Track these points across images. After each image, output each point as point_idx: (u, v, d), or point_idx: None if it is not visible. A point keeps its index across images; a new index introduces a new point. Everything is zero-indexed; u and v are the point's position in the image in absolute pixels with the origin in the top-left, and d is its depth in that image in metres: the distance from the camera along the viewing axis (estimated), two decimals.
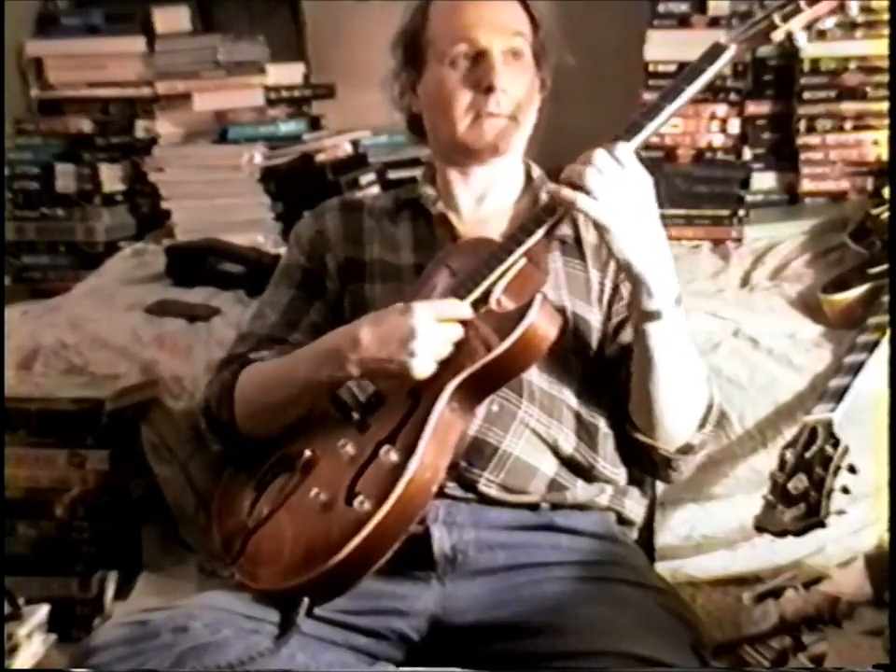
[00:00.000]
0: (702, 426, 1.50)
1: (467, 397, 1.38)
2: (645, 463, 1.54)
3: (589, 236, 1.58)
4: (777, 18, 1.44)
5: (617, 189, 1.35)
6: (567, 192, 1.35)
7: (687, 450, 1.50)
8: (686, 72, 1.43)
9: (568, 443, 1.49)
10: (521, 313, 1.35)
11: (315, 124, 2.95)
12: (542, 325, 1.36)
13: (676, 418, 1.47)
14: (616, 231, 1.36)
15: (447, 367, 1.36)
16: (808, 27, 1.45)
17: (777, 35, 1.44)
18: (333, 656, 1.36)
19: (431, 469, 1.33)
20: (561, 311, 1.49)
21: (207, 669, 1.25)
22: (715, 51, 1.44)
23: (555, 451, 1.49)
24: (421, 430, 1.34)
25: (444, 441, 1.36)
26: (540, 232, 1.41)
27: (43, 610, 1.84)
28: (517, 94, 1.54)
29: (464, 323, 1.38)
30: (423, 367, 1.35)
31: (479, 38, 1.53)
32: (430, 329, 1.35)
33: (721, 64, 1.43)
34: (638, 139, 1.39)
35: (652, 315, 1.40)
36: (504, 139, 1.55)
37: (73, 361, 2.22)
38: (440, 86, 1.55)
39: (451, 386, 1.35)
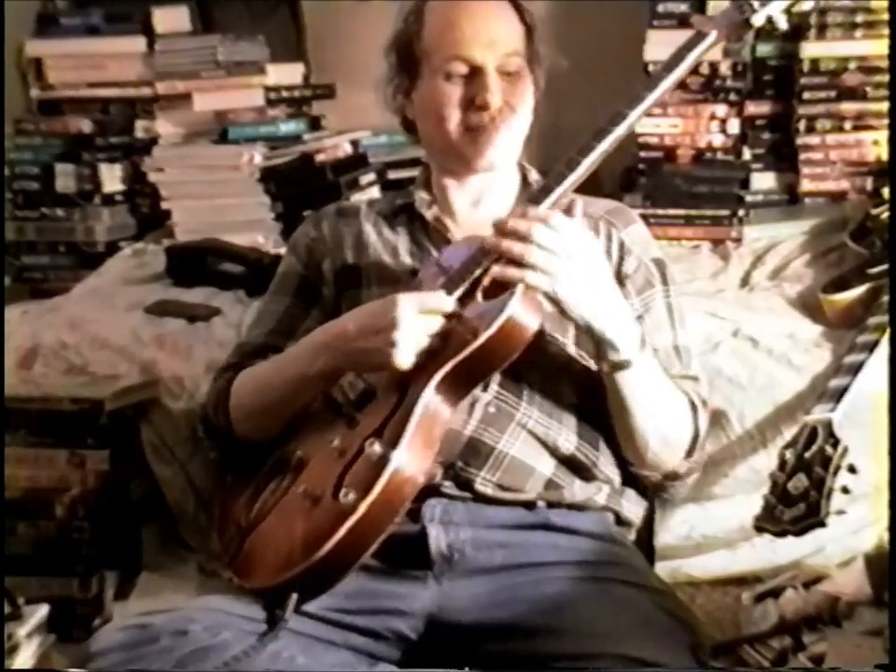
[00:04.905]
0: (689, 454, 1.53)
1: (452, 388, 1.38)
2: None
3: None
4: (755, 2, 1.44)
5: (562, 258, 1.35)
6: (513, 272, 1.36)
7: (674, 477, 1.54)
8: (668, 60, 1.45)
9: (570, 443, 1.50)
10: (501, 305, 1.36)
11: (315, 124, 2.95)
12: (523, 316, 1.36)
13: (658, 451, 1.50)
14: (570, 300, 1.37)
15: (433, 359, 1.37)
16: (788, 11, 1.46)
17: (757, 20, 1.45)
18: (334, 657, 1.36)
19: (417, 461, 1.34)
20: None
21: None
22: (696, 39, 1.45)
23: (554, 451, 1.49)
24: (406, 422, 1.35)
25: (430, 432, 1.36)
26: None
27: (43, 610, 1.84)
28: (512, 109, 1.55)
29: (451, 316, 1.39)
30: (404, 357, 1.36)
31: (474, 56, 1.53)
32: (412, 321, 1.36)
33: (702, 51, 1.44)
34: (620, 129, 1.41)
35: (621, 365, 1.42)
36: (499, 154, 1.56)
37: (73, 361, 2.22)
38: (434, 99, 1.56)
39: (436, 378, 1.36)
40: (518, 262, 1.35)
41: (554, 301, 1.37)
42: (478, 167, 1.58)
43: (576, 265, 1.36)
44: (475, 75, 1.54)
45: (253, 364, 1.59)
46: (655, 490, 1.58)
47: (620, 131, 1.41)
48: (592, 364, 1.51)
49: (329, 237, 1.67)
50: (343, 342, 1.41)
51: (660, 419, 1.48)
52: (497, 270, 1.38)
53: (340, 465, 1.36)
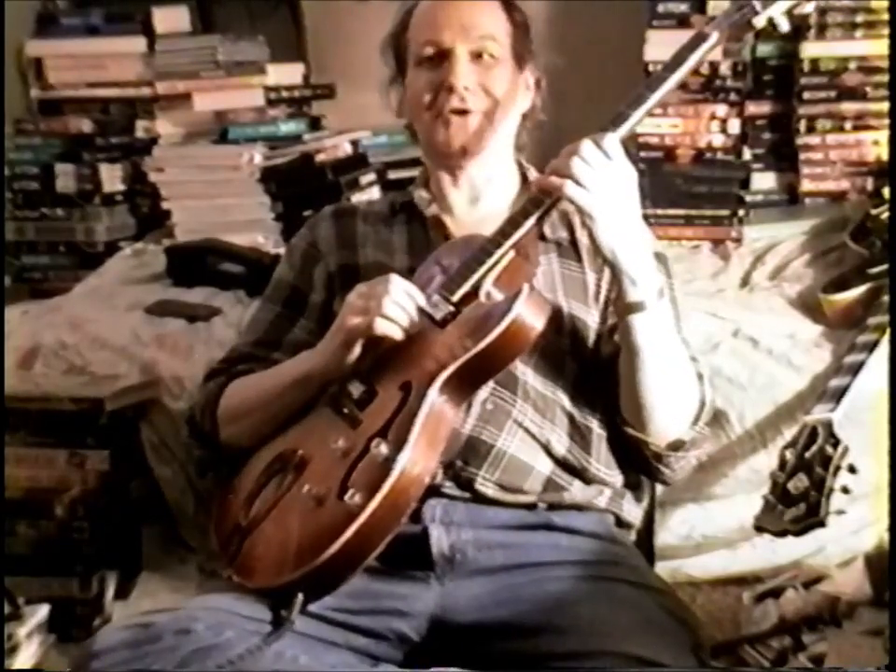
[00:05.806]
0: (694, 423, 1.50)
1: (457, 389, 1.39)
2: (638, 461, 1.54)
3: (584, 238, 1.58)
4: (757, 4, 1.45)
5: (604, 178, 1.36)
6: (554, 180, 1.37)
7: (678, 446, 1.50)
8: (669, 61, 1.45)
9: (561, 445, 1.49)
10: (507, 305, 1.36)
11: (315, 124, 2.95)
12: (528, 316, 1.37)
13: (664, 412, 1.47)
14: (602, 220, 1.37)
15: (437, 360, 1.38)
16: (789, 12, 1.46)
17: (759, 21, 1.46)
18: (336, 657, 1.36)
19: (422, 462, 1.34)
20: (556, 312, 1.49)
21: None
22: (697, 40, 1.45)
23: (548, 451, 1.49)
24: (411, 423, 1.35)
25: (435, 433, 1.36)
26: (528, 224, 1.42)
27: (43, 610, 1.85)
28: (486, 93, 1.56)
29: (454, 315, 1.40)
30: (384, 316, 1.38)
31: (443, 39, 1.55)
32: (402, 289, 1.39)
33: (703, 52, 1.45)
34: (624, 128, 1.41)
35: (637, 307, 1.41)
36: (472, 139, 1.57)
37: (73, 361, 2.22)
38: (411, 86, 1.59)
39: (440, 379, 1.37)
40: (562, 175, 1.36)
41: (588, 218, 1.37)
42: (453, 153, 1.58)
43: (614, 189, 1.37)
44: (445, 58, 1.55)
45: (238, 370, 1.60)
46: (656, 462, 1.51)
47: (622, 132, 1.41)
48: (587, 364, 1.51)
49: (326, 240, 1.67)
50: (340, 317, 1.43)
51: (669, 377, 1.45)
52: (539, 177, 1.37)
53: (344, 465, 1.36)
